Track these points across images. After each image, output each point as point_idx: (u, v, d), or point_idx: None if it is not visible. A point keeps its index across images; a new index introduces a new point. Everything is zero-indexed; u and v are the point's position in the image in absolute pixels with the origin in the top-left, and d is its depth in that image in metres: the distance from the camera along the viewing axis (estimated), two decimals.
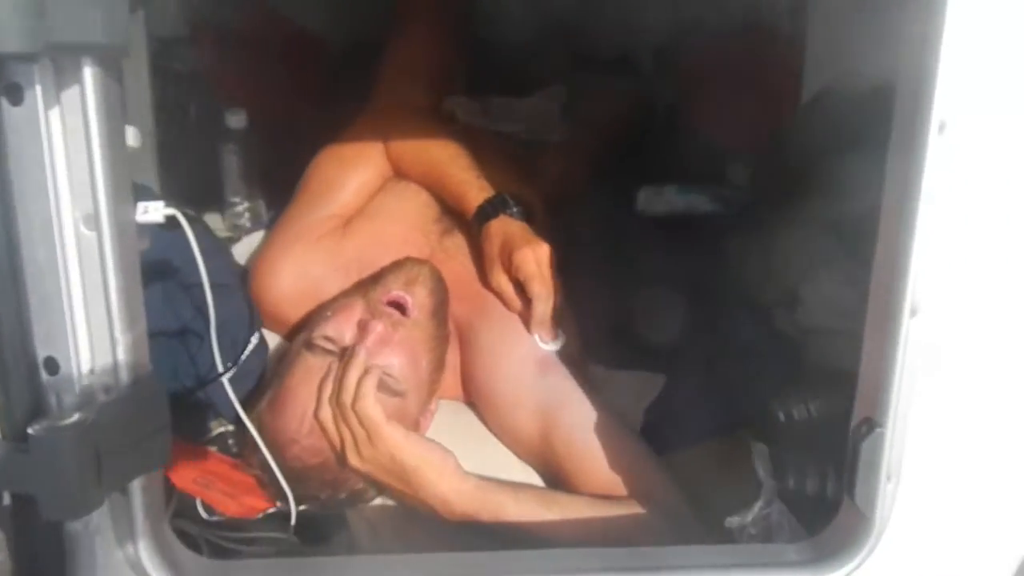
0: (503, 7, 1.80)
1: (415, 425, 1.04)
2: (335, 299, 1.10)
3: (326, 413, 0.95)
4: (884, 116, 1.38)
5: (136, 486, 0.67)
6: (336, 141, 1.29)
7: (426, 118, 1.31)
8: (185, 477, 0.95)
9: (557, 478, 1.06)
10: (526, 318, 1.12)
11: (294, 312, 1.17)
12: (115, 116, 0.65)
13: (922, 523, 0.69)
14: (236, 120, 1.47)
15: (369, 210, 1.24)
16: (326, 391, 0.96)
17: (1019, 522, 0.68)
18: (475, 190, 1.19)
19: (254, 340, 1.08)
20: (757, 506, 0.84)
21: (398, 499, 1.00)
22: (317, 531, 0.97)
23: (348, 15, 1.73)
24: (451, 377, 1.14)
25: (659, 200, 1.58)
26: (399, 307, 1.06)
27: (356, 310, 1.05)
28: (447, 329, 1.12)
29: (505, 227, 1.15)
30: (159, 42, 1.55)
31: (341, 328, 1.03)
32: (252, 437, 0.96)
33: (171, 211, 0.69)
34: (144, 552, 0.68)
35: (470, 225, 1.18)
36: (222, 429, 1.08)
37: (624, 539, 0.92)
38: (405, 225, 1.23)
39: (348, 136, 1.29)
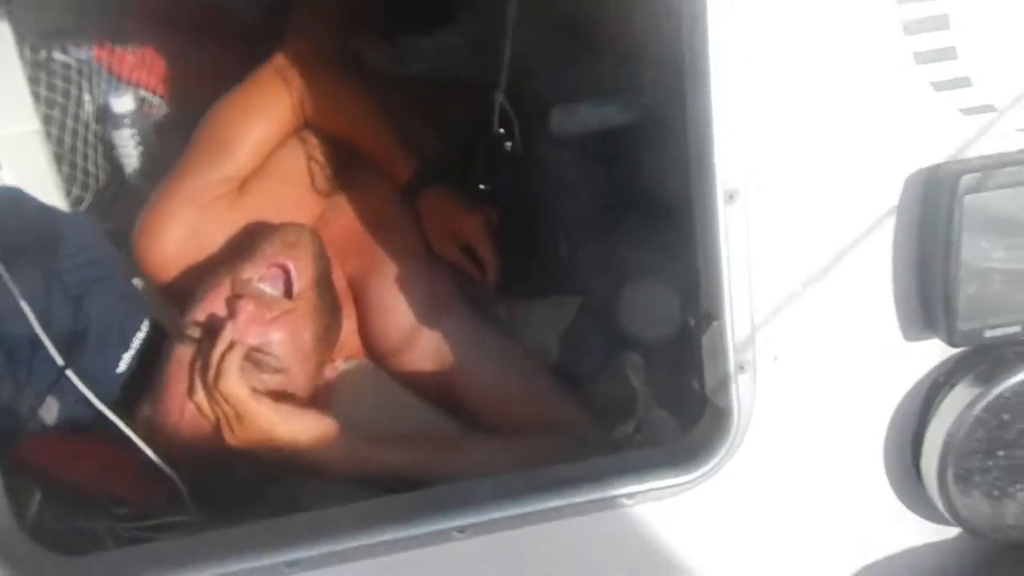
0: None
1: (310, 394, 1.02)
2: (203, 280, 1.06)
3: (200, 395, 0.93)
4: None
5: None
6: (237, 91, 1.23)
7: (340, 71, 1.24)
8: (83, 471, 0.94)
9: (467, 420, 1.05)
10: (476, 280, 1.14)
11: (182, 281, 1.13)
12: None
13: (786, 413, 0.67)
14: (121, 104, 1.43)
15: (264, 170, 1.19)
16: (197, 373, 0.93)
17: (882, 400, 0.66)
18: (402, 158, 1.18)
19: (144, 328, 1.06)
20: (636, 414, 0.82)
21: (286, 469, 0.98)
22: (224, 504, 0.96)
23: None
24: (347, 337, 1.12)
25: (572, 119, 1.52)
26: (283, 274, 1.02)
27: (222, 290, 1.00)
28: (334, 295, 1.09)
29: (443, 196, 1.16)
30: (39, 36, 1.50)
31: (208, 311, 0.99)
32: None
33: None
34: None
35: (398, 194, 1.18)
36: None
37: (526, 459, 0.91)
38: (299, 185, 1.20)
39: (251, 87, 1.22)
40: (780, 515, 0.69)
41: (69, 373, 0.87)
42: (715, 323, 0.64)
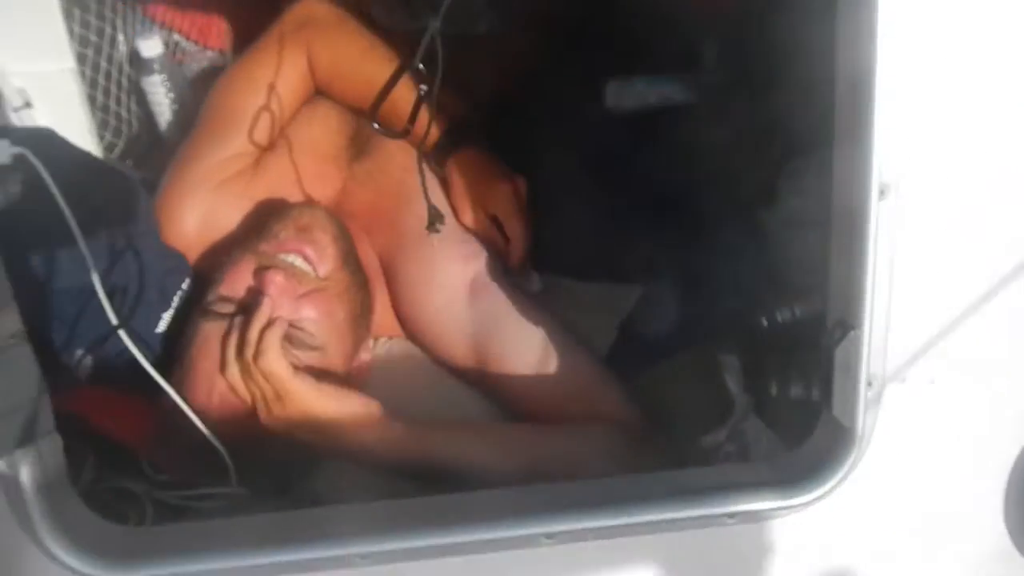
0: None
1: (347, 375, 0.97)
2: (221, 259, 0.99)
3: (233, 371, 0.87)
4: None
5: (23, 461, 0.60)
6: (244, 58, 1.15)
7: (354, 27, 1.14)
8: (128, 433, 0.88)
9: (506, 406, 1.00)
10: (503, 255, 1.06)
11: (206, 263, 1.06)
12: None
13: (909, 433, 0.61)
14: (149, 47, 1.35)
15: (280, 143, 1.12)
16: (231, 348, 0.87)
17: (1010, 428, 0.60)
18: (425, 120, 1.06)
19: (185, 286, 1.00)
20: (731, 422, 0.76)
21: (325, 453, 0.92)
22: (269, 481, 0.91)
23: None
24: (385, 315, 1.06)
25: (628, 93, 1.46)
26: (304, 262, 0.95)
27: (247, 264, 0.94)
28: (362, 272, 1.02)
29: (473, 160, 1.07)
30: None
31: (235, 285, 0.92)
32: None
33: (18, 150, 0.59)
34: (41, 526, 0.61)
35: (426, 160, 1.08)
36: None
37: (576, 466, 0.86)
38: (317, 156, 1.12)
39: (259, 52, 1.13)
40: (890, 542, 0.64)
41: (122, 334, 0.81)
42: (852, 333, 0.58)
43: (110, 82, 1.44)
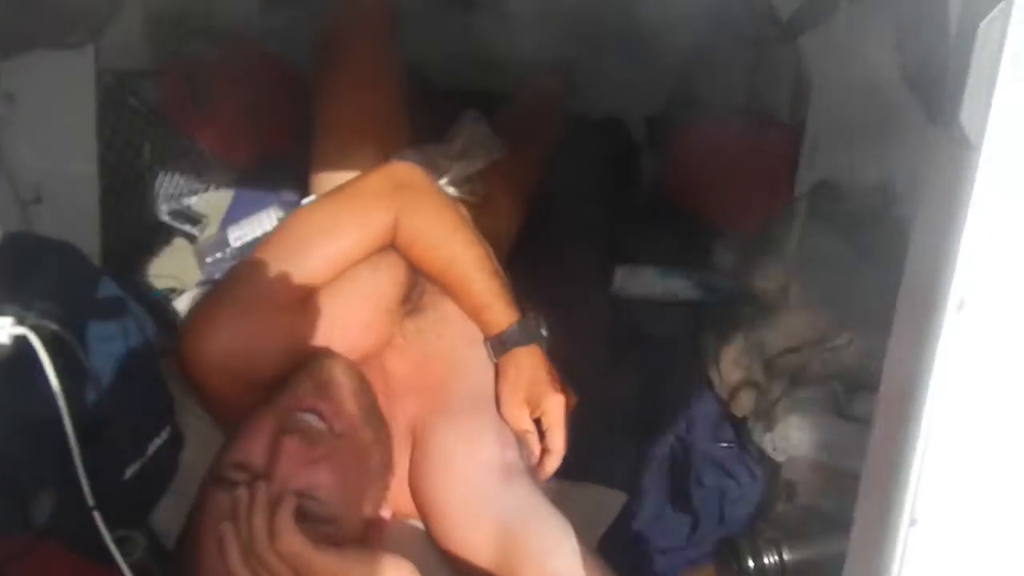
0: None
1: (364, 539, 0.91)
2: (245, 415, 0.94)
3: (244, 570, 0.80)
4: (884, 217, 1.29)
5: None
6: (332, 194, 1.12)
7: (445, 202, 1.14)
8: None
9: None
10: (534, 463, 1.03)
11: (224, 393, 1.00)
12: None
13: None
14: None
15: (338, 282, 1.06)
16: (232, 545, 0.81)
17: None
18: (501, 308, 1.08)
19: (163, 435, 0.95)
20: None
21: None
22: None
23: None
24: (401, 489, 1.01)
25: (636, 281, 1.48)
26: (320, 418, 0.91)
27: (265, 426, 0.90)
28: (384, 431, 0.98)
29: (535, 359, 1.07)
30: (115, 76, 1.45)
31: (250, 451, 0.88)
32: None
33: (20, 331, 0.57)
34: None
35: (487, 343, 1.09)
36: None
37: None
38: (372, 305, 1.08)
39: (349, 193, 1.10)
40: None
41: (96, 515, 0.76)
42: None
43: (126, 188, 1.45)
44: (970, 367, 0.53)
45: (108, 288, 1.07)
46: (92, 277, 1.10)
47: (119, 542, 0.89)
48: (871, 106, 1.21)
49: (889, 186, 1.27)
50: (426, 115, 1.38)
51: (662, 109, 1.76)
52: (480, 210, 1.18)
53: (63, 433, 0.74)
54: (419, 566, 0.92)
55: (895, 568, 0.54)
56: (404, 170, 1.13)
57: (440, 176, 1.33)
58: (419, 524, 1.02)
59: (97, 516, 0.75)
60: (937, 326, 0.52)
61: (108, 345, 0.94)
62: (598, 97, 1.73)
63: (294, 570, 0.79)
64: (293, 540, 0.79)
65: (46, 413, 0.74)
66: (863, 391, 1.09)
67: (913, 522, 0.53)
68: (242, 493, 0.82)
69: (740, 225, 1.47)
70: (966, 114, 0.52)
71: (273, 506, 0.80)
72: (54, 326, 0.65)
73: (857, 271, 1.21)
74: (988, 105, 0.51)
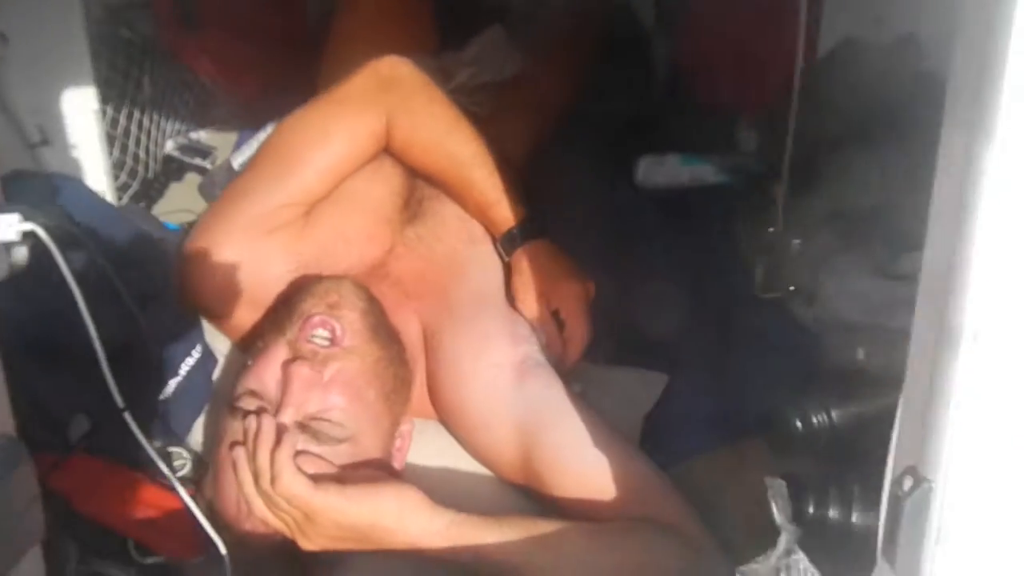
0: None
1: (384, 462, 0.90)
2: (254, 342, 0.93)
3: (259, 506, 0.80)
4: (912, 70, 1.23)
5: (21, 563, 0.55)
6: (318, 102, 1.08)
7: (440, 96, 1.09)
8: (115, 511, 0.83)
9: (546, 502, 0.92)
10: (557, 353, 1.03)
11: (232, 315, 1.00)
12: None
13: None
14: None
15: (333, 196, 1.05)
16: (244, 474, 0.80)
17: None
18: (507, 203, 1.06)
19: (195, 354, 0.95)
20: (775, 555, 0.71)
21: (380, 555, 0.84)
22: None
23: None
24: (420, 393, 1.00)
25: (660, 171, 1.43)
26: (329, 336, 0.89)
27: (278, 352, 0.88)
28: (396, 345, 0.96)
29: (548, 252, 1.06)
30: (106, 8, 1.41)
31: (263, 378, 0.86)
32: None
33: (28, 226, 0.55)
34: None
35: (494, 241, 1.08)
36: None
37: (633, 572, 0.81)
38: (372, 216, 1.07)
39: (335, 101, 1.06)
40: None
41: (127, 416, 0.76)
42: (925, 485, 0.53)
43: (131, 122, 1.42)
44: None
45: (121, 221, 1.06)
46: (105, 210, 1.09)
47: (163, 455, 0.90)
48: None
49: (917, 39, 1.21)
50: (455, 26, 1.34)
51: None
52: (485, 125, 1.13)
53: (91, 347, 0.73)
54: (442, 467, 0.92)
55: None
56: (389, 66, 1.07)
57: (448, 82, 1.29)
58: (438, 426, 1.02)
59: (128, 417, 0.74)
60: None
61: (128, 271, 0.92)
62: None
63: (299, 511, 0.79)
64: (292, 482, 0.78)
65: (72, 328, 0.73)
66: (906, 251, 1.05)
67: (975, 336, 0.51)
68: (250, 424, 0.81)
69: (762, 101, 1.41)
70: None
71: (273, 446, 0.79)
72: (68, 226, 0.64)
73: (888, 131, 1.17)
74: None
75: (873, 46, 1.26)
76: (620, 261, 1.23)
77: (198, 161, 1.52)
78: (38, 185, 0.99)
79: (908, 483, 0.54)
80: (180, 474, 0.90)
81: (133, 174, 1.42)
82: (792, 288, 1.10)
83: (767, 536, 0.79)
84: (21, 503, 0.53)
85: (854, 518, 0.80)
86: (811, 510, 0.81)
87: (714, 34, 1.54)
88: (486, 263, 1.09)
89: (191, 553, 0.85)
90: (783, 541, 0.70)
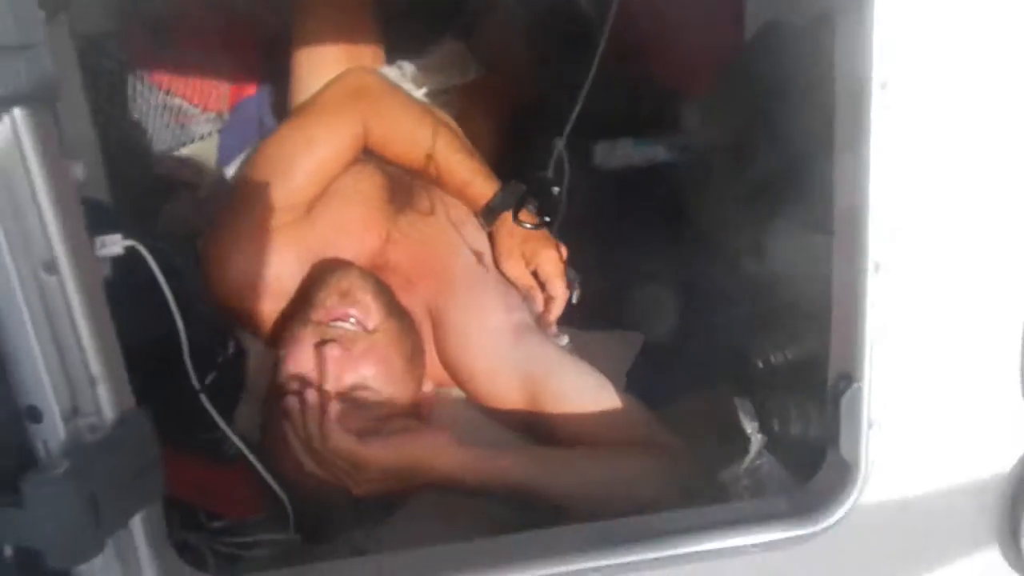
0: None
1: (414, 414, 1.04)
2: (283, 334, 1.06)
3: (310, 464, 0.94)
4: (828, 47, 1.39)
5: (136, 519, 0.67)
6: (301, 114, 1.23)
7: (403, 97, 1.25)
8: (182, 487, 0.94)
9: (549, 442, 1.06)
10: (539, 313, 1.16)
11: (252, 307, 1.12)
12: (55, 159, 0.63)
13: (906, 464, 0.72)
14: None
15: (329, 194, 1.18)
16: (296, 441, 0.94)
17: (997, 452, 0.71)
18: (480, 180, 1.19)
19: (229, 348, 1.07)
20: (748, 458, 0.86)
21: (421, 490, 0.99)
22: (321, 528, 0.98)
23: None
24: (433, 365, 1.13)
25: (615, 154, 1.58)
26: (353, 325, 1.03)
27: (307, 338, 1.01)
28: (408, 318, 1.10)
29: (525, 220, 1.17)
30: (85, 40, 1.49)
31: (300, 363, 0.99)
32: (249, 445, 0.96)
33: (130, 242, 0.68)
34: None
35: (477, 215, 1.20)
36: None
37: (634, 488, 0.96)
38: (365, 207, 1.20)
39: (315, 111, 1.22)
40: (893, 568, 0.74)
41: (203, 397, 0.88)
42: (855, 385, 0.69)
43: (122, 149, 1.51)
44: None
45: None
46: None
47: (216, 442, 1.02)
48: None
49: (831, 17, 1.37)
50: (401, 32, 1.46)
51: None
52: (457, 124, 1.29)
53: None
54: (463, 426, 1.07)
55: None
56: (356, 77, 1.23)
57: (418, 88, 1.42)
58: (456, 391, 1.16)
59: (204, 399, 0.86)
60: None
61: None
62: None
63: (348, 463, 0.93)
64: (340, 440, 0.92)
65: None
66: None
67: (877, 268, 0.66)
68: (294, 401, 0.94)
69: (697, 83, 1.56)
70: None
71: (322, 411, 0.93)
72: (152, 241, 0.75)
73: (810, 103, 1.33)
74: None
75: (793, 27, 1.42)
76: (586, 237, 1.37)
77: (187, 177, 1.61)
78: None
79: (843, 384, 0.70)
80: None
81: (130, 197, 1.51)
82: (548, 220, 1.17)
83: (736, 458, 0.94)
84: (144, 463, 0.65)
85: (811, 431, 0.96)
86: (776, 428, 0.97)
87: (648, 19, 1.68)
88: (474, 240, 1.21)
89: (252, 512, 0.97)
90: (753, 447, 0.85)
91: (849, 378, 0.70)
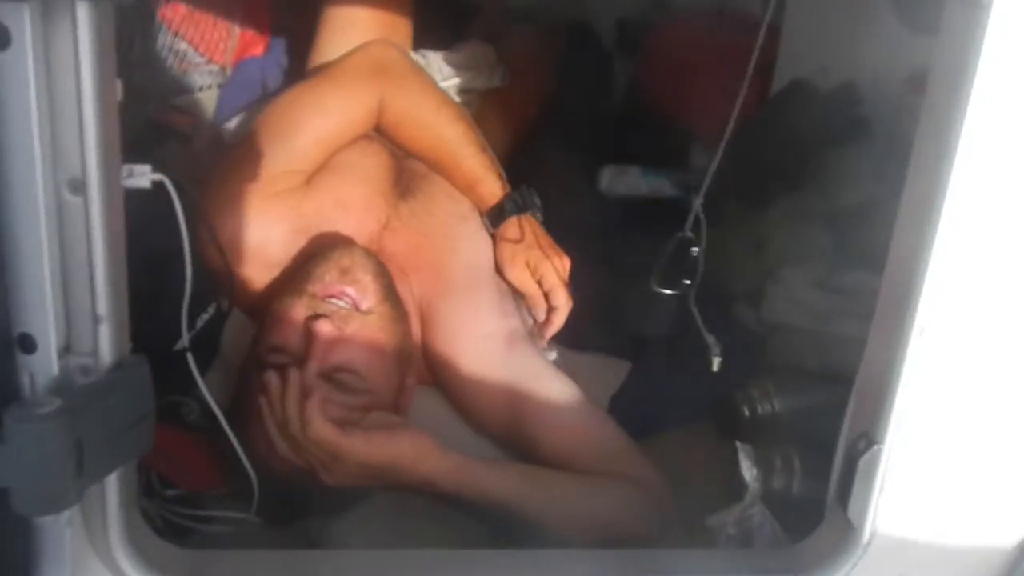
0: None
1: (394, 409, 0.99)
2: (272, 301, 1.00)
3: (284, 448, 0.88)
4: (849, 112, 1.40)
5: (111, 475, 0.62)
6: (317, 78, 1.17)
7: (427, 81, 1.20)
8: None
9: (528, 457, 1.03)
10: (538, 323, 1.14)
11: (245, 274, 1.06)
12: (108, 66, 0.59)
13: (909, 532, 0.71)
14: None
15: (331, 167, 1.13)
16: (270, 420, 0.88)
17: (1002, 528, 0.71)
18: (492, 179, 1.15)
19: (210, 310, 1.01)
20: (740, 506, 0.85)
21: (393, 490, 0.95)
22: (280, 511, 0.93)
23: None
24: (418, 359, 1.09)
25: (622, 181, 1.58)
26: (348, 304, 0.98)
27: (299, 311, 0.96)
28: (402, 306, 1.05)
29: (531, 227, 1.15)
30: None
31: (286, 335, 0.94)
32: (214, 413, 0.90)
33: (158, 176, 0.63)
34: (116, 544, 0.63)
35: (483, 215, 1.16)
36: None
37: (610, 519, 0.93)
38: (368, 187, 1.14)
39: (332, 78, 1.16)
40: None
41: (189, 357, 0.83)
42: (875, 447, 0.68)
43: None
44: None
45: None
46: None
47: (175, 404, 0.97)
48: (845, 7, 1.31)
49: (856, 85, 1.39)
50: (429, 23, 1.42)
51: (633, 11, 1.82)
52: None
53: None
54: (439, 429, 1.02)
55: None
56: (381, 50, 1.18)
57: (441, 80, 1.39)
58: (436, 391, 1.11)
59: (190, 357, 0.81)
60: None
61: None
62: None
63: (326, 453, 0.87)
64: (322, 429, 0.86)
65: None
66: (846, 269, 1.22)
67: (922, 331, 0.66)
68: (274, 378, 0.88)
69: (715, 127, 1.56)
70: None
71: (304, 394, 0.87)
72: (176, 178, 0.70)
73: (826, 164, 1.34)
74: None
75: (818, 89, 1.43)
76: (585, 258, 1.36)
77: (179, 127, 1.55)
78: None
79: (862, 444, 0.69)
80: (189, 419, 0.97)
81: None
82: (687, 283, 1.22)
83: (718, 499, 0.93)
84: (137, 414, 0.60)
85: (794, 487, 0.95)
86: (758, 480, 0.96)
87: (673, 59, 1.69)
88: (476, 238, 1.17)
89: (208, 485, 0.92)
90: (749, 495, 0.83)
91: (869, 439, 0.69)
